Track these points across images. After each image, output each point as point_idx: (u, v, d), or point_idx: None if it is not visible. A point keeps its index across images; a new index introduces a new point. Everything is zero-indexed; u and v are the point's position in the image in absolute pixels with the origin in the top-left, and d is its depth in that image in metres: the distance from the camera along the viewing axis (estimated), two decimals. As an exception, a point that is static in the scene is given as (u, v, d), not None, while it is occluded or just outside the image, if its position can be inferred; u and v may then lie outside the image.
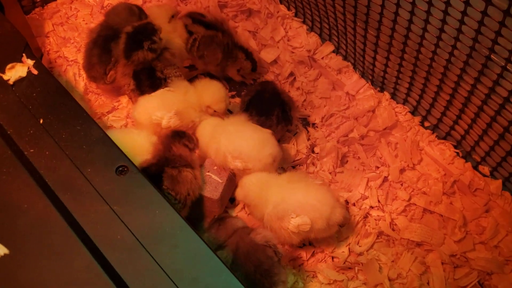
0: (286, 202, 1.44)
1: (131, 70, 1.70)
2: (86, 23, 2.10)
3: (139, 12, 1.80)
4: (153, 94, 1.65)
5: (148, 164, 1.46)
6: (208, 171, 1.57)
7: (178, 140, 1.51)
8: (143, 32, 1.65)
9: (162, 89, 1.67)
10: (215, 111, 1.69)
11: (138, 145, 1.55)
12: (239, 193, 1.53)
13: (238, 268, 1.33)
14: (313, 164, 1.75)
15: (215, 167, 1.57)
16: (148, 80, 1.69)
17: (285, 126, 1.75)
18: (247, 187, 1.50)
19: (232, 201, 1.66)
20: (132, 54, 1.65)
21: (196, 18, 1.87)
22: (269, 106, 1.70)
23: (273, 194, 1.47)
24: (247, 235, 1.40)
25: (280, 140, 1.79)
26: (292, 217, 1.42)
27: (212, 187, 1.54)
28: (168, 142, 1.52)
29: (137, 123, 1.66)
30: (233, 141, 1.54)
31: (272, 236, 1.42)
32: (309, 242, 1.58)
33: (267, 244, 1.38)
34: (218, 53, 1.85)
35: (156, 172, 1.43)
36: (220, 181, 1.55)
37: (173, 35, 1.80)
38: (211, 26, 1.86)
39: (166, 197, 1.22)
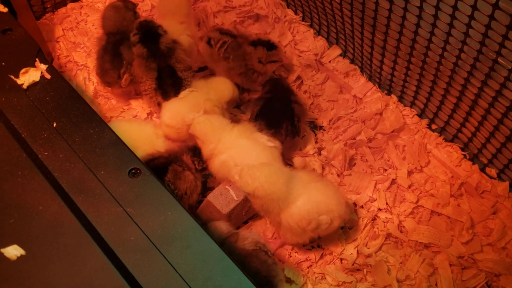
0: (311, 201, 1.43)
1: (155, 65, 1.70)
2: (96, 28, 2.12)
3: (123, 4, 1.80)
4: (180, 97, 1.68)
5: (158, 155, 1.54)
6: (229, 185, 1.55)
7: (192, 155, 1.58)
8: (146, 27, 1.68)
9: (186, 91, 1.69)
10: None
11: (139, 135, 1.59)
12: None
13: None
14: (322, 167, 1.76)
15: (235, 186, 1.54)
16: (169, 79, 1.70)
17: (293, 138, 1.74)
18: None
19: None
20: (159, 46, 1.67)
21: (223, 31, 1.88)
22: (278, 119, 1.67)
23: (298, 191, 1.44)
24: (235, 243, 1.37)
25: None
26: (315, 217, 1.43)
27: (225, 201, 1.53)
28: (183, 149, 1.59)
29: (166, 127, 1.66)
30: (243, 156, 1.53)
31: (257, 235, 1.41)
32: (317, 244, 1.60)
33: (257, 247, 1.37)
34: (242, 60, 1.85)
35: (163, 164, 1.52)
36: (235, 198, 1.53)
37: (183, 33, 1.81)
38: (237, 36, 1.87)
39: (178, 198, 1.24)
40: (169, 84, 1.71)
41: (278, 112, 1.69)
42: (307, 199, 1.43)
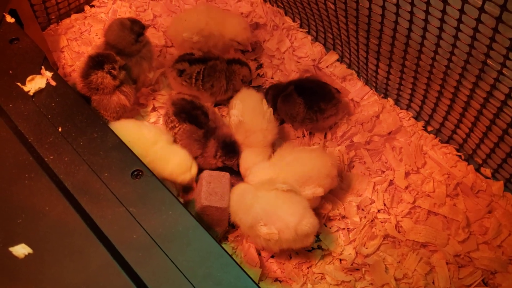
0: (256, 210, 1.46)
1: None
2: (99, 38, 2.17)
3: (131, 24, 1.80)
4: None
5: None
6: (210, 182, 1.56)
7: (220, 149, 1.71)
8: (106, 57, 1.68)
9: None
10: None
11: (143, 137, 1.60)
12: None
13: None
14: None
15: (214, 176, 1.57)
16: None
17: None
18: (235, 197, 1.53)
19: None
20: (91, 73, 1.67)
21: (191, 60, 1.85)
22: None
23: (248, 200, 1.49)
24: None
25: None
26: (261, 225, 1.44)
27: (218, 196, 1.53)
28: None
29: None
30: (297, 169, 1.58)
31: None
32: (317, 245, 1.62)
33: None
34: (222, 79, 1.86)
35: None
36: (225, 189, 1.55)
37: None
38: (206, 59, 1.85)
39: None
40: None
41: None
42: (259, 207, 1.46)
